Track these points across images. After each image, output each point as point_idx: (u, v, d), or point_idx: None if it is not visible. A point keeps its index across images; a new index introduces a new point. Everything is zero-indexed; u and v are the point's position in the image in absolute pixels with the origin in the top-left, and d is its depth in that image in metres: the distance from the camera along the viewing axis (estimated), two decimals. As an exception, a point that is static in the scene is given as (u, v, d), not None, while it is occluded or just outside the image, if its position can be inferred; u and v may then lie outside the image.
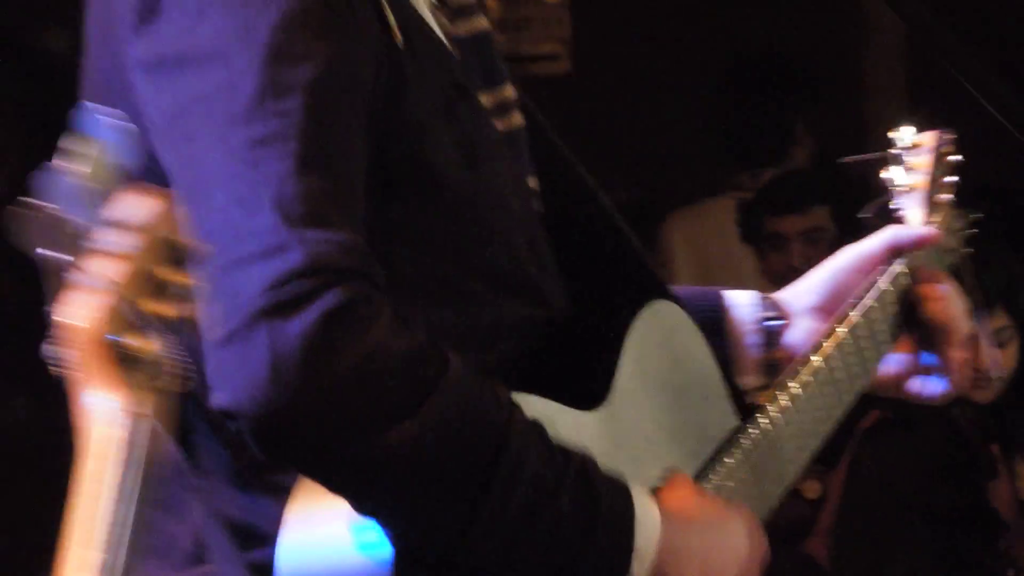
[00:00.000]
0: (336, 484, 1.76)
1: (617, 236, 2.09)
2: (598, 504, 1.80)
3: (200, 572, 1.92)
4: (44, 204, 1.43)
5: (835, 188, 5.15)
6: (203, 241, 1.68)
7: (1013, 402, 4.57)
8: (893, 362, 2.25)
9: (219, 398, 1.69)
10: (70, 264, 1.41)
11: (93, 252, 1.41)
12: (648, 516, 1.81)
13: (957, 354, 2.22)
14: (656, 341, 2.00)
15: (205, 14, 1.75)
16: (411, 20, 1.87)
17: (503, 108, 1.99)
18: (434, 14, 1.94)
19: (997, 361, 2.29)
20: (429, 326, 1.82)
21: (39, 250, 1.41)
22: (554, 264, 2.00)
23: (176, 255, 1.46)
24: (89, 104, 1.44)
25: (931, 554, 4.42)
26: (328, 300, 1.68)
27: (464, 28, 1.98)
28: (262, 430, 1.70)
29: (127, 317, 1.37)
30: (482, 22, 2.00)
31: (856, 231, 3.60)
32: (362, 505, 1.77)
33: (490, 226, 1.94)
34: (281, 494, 1.81)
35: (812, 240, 5.04)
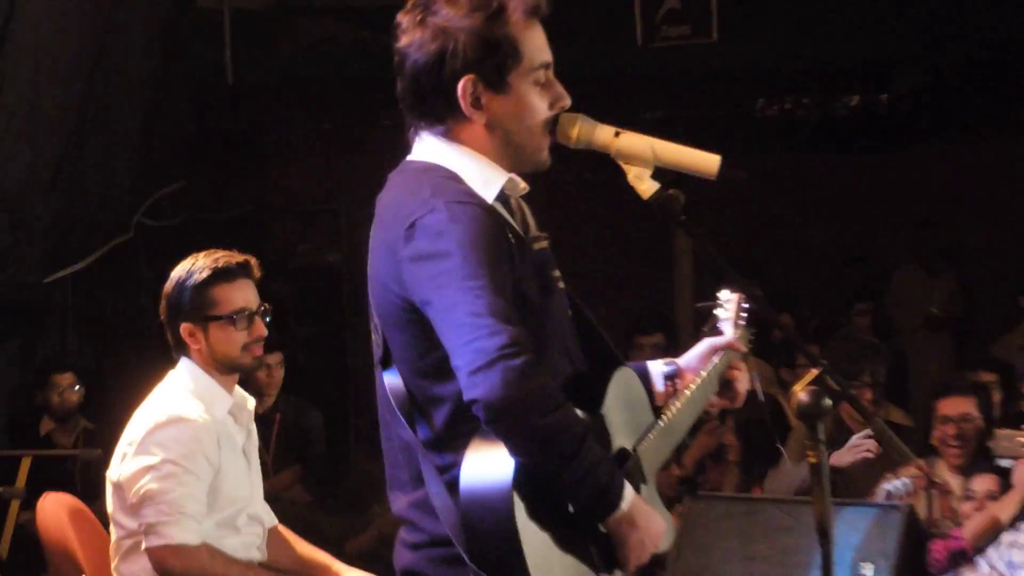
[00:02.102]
0: (515, 437, 2.72)
1: (602, 338, 3.22)
2: (614, 471, 2.84)
3: (422, 491, 2.91)
4: None
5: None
6: (454, 335, 2.70)
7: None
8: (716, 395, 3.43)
9: (471, 394, 2.68)
10: None
11: None
12: (628, 488, 2.88)
13: (739, 395, 3.43)
14: (622, 383, 3.13)
15: (440, 236, 2.78)
16: (517, 234, 2.91)
17: (557, 279, 3.08)
18: (525, 236, 2.99)
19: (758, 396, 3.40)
20: None
21: None
22: (579, 346, 3.11)
23: None
24: None
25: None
26: (524, 357, 2.69)
27: (537, 245, 3.05)
28: (493, 410, 2.69)
29: None
30: (544, 243, 3.06)
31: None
32: (520, 450, 2.72)
33: (553, 325, 2.97)
34: (461, 450, 2.81)
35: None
